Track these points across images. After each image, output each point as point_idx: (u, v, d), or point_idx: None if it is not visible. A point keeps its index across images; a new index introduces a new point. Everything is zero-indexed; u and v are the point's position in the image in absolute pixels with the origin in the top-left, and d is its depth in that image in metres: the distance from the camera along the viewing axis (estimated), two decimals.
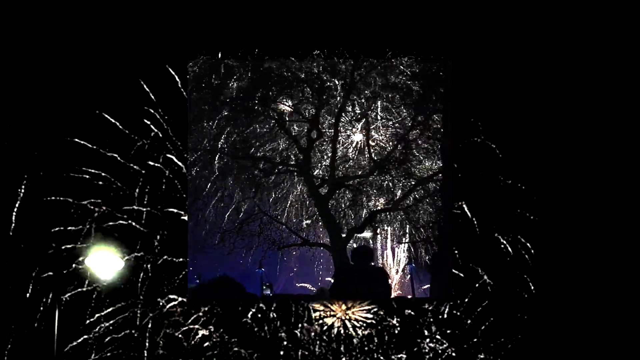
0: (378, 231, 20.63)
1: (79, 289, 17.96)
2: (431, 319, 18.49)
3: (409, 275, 20.88)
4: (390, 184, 20.27)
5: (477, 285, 18.71)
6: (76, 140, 18.93)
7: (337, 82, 19.88)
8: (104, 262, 15.79)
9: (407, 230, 20.54)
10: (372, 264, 18.14)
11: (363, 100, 20.17)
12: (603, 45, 19.29)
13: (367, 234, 20.47)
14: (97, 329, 18.24)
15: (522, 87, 18.89)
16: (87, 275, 17.73)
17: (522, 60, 18.94)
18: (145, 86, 18.91)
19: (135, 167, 18.58)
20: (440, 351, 18.82)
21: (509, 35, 18.85)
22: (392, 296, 20.11)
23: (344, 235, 19.79)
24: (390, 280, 18.17)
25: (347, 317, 18.55)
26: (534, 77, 18.98)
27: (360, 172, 20.43)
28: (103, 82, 18.71)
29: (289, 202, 20.88)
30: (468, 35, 18.60)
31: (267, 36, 18.39)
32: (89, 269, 16.22)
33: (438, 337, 18.68)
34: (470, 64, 18.31)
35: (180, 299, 17.95)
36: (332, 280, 18.19)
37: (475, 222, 18.53)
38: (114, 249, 16.07)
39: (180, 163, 18.60)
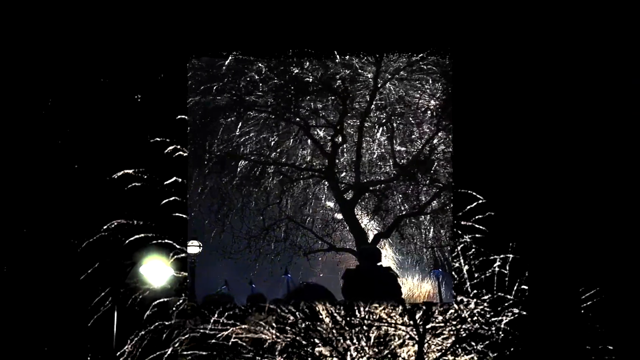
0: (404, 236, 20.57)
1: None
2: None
3: (436, 280, 20.71)
4: (416, 189, 20.25)
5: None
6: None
7: (360, 89, 20.05)
8: (156, 270, 17.57)
9: (433, 235, 20.45)
10: (380, 264, 18.32)
11: (387, 105, 20.23)
12: (602, 41, 19.20)
13: None
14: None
15: (521, 84, 18.83)
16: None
17: (522, 57, 18.90)
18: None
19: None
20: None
21: (509, 32, 18.85)
22: (420, 302, 20.11)
23: (370, 240, 19.85)
24: (399, 281, 18.25)
25: None
26: (533, 74, 18.95)
27: (385, 177, 20.48)
28: (107, 84, 19.48)
29: (315, 207, 20.88)
30: (467, 32, 18.63)
31: (267, 35, 18.79)
32: (143, 275, 17.86)
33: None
34: (469, 60, 18.41)
35: None
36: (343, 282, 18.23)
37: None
38: (165, 259, 17.34)
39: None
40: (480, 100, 19.05)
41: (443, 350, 19.09)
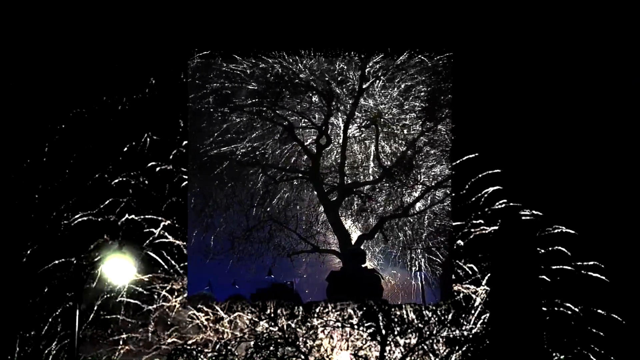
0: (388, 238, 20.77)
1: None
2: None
3: (420, 282, 20.95)
4: (400, 191, 20.42)
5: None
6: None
7: (345, 90, 20.21)
8: (119, 269, 16.19)
9: (417, 237, 20.61)
10: (365, 265, 18.62)
11: (372, 107, 20.38)
12: (602, 41, 19.32)
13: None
14: None
15: (522, 84, 18.94)
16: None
17: (522, 57, 19.05)
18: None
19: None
20: None
21: (509, 32, 18.97)
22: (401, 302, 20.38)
23: (353, 242, 20.07)
24: (382, 282, 18.96)
25: None
26: (534, 74, 19.13)
27: (369, 179, 20.70)
28: (104, 84, 19.45)
29: (299, 208, 20.97)
30: (469, 31, 18.75)
31: (266, 34, 19.12)
32: (104, 274, 16.78)
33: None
34: (471, 59, 18.46)
35: None
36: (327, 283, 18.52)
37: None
38: (128, 257, 16.22)
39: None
40: (480, 100, 19.20)
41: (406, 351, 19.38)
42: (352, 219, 20.61)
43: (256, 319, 19.60)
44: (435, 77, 20.02)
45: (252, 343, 19.56)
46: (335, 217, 20.14)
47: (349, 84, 20.20)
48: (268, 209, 20.53)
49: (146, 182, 20.04)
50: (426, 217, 20.27)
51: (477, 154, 19.74)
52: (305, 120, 20.41)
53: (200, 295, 19.88)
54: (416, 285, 20.85)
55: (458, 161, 20.01)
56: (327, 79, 20.27)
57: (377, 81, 20.21)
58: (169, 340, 20.42)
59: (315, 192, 20.46)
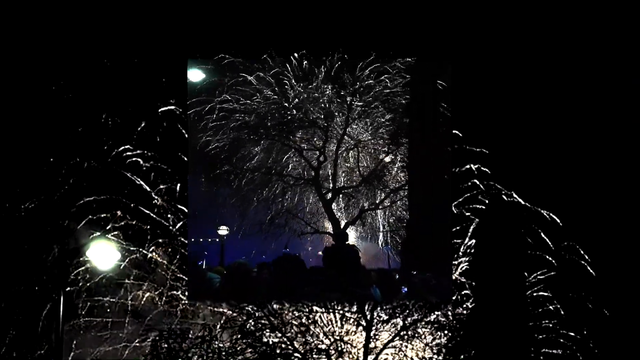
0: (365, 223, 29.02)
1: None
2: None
3: (387, 254, 28.82)
4: (374, 191, 28.88)
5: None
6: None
7: (336, 124, 29.08)
8: (104, 254, 15.98)
9: (384, 223, 28.80)
10: (347, 242, 26.05)
11: (353, 135, 29.12)
12: (602, 41, 18.93)
13: None
14: None
15: (522, 84, 18.80)
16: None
17: (522, 57, 18.69)
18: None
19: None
20: None
21: (509, 33, 18.48)
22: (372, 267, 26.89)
23: (342, 226, 28.41)
24: (360, 254, 24.22)
25: None
26: (534, 73, 18.80)
27: (353, 184, 28.95)
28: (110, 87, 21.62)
29: (306, 204, 29.05)
30: (468, 40, 19.13)
31: (267, 38, 21.78)
32: (90, 260, 17.03)
33: None
34: (470, 68, 19.28)
35: None
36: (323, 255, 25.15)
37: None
38: (112, 242, 16.88)
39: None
40: (481, 102, 19.61)
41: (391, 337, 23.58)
42: (341, 211, 28.68)
43: (229, 311, 23.81)
44: (395, 115, 28.57)
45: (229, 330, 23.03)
46: (330, 210, 28.05)
47: (336, 121, 28.69)
48: (285, 204, 28.58)
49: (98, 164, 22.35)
50: (390, 210, 28.52)
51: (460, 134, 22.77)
52: (310, 144, 28.58)
53: (238, 264, 25.16)
54: (383, 255, 28.77)
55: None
56: (319, 116, 28.34)
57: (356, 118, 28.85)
58: (134, 327, 23.73)
59: (317, 193, 28.41)
